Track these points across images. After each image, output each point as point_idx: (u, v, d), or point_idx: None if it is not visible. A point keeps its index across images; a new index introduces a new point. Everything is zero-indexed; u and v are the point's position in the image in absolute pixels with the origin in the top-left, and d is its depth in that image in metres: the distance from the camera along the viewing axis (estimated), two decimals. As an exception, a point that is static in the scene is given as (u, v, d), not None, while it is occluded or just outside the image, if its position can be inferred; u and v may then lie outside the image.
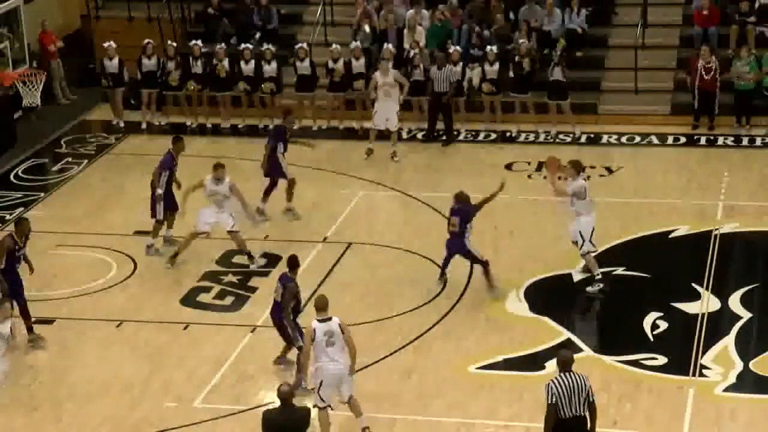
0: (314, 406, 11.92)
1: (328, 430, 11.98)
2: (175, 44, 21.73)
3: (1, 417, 12.79)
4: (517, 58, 20.78)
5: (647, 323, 14.29)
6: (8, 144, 20.42)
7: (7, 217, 17.89)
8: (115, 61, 21.40)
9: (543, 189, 18.53)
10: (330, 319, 11.86)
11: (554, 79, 20.44)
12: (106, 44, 21.47)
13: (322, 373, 11.86)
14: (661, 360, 13.49)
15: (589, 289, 15.00)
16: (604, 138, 20.64)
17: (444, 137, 20.52)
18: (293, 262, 13.15)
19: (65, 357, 14.22)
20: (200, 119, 21.65)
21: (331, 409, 12.00)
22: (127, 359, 13.90)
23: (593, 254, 15.01)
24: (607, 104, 21.50)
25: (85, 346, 14.38)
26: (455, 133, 20.64)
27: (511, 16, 22.28)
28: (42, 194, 18.79)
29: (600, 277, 14.99)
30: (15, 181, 19.32)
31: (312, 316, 12.09)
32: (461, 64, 20.84)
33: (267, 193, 17.46)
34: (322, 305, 11.96)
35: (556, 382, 10.55)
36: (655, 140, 20.49)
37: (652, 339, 13.99)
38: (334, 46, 21.34)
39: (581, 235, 14.93)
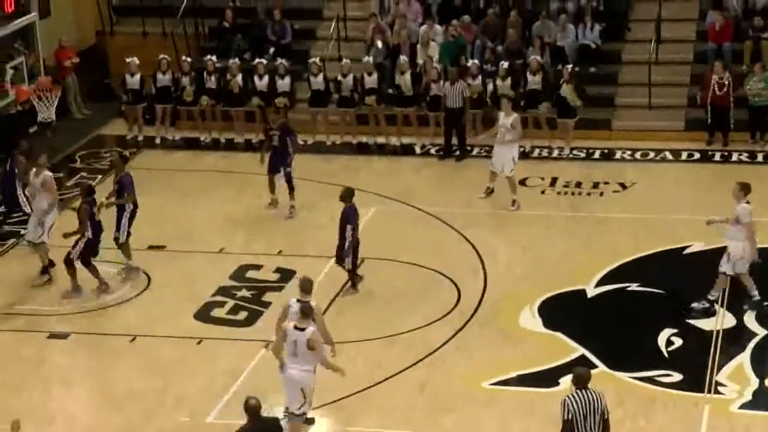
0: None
1: None
2: (189, 59, 21.81)
3: (14, 431, 12.79)
4: (528, 74, 20.79)
5: (662, 340, 14.24)
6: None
7: (22, 231, 17.93)
8: (137, 77, 21.48)
9: (556, 204, 18.55)
10: (304, 330, 11.72)
11: (564, 96, 20.42)
12: (128, 59, 21.54)
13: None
14: (676, 377, 13.44)
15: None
16: (618, 154, 20.62)
17: (457, 152, 20.53)
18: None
19: (79, 371, 14.25)
20: (214, 134, 21.71)
21: None
22: (141, 373, 13.91)
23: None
24: (620, 120, 21.48)
25: (99, 361, 14.41)
26: (468, 148, 20.64)
27: (525, 32, 22.30)
28: (56, 209, 18.78)
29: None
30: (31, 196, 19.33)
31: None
32: (480, 77, 20.82)
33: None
34: (307, 288, 12.24)
35: (572, 398, 10.51)
36: (668, 156, 20.46)
37: (666, 355, 13.94)
38: (344, 60, 21.39)
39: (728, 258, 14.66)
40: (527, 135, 20.92)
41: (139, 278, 16.05)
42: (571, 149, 20.62)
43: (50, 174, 16.43)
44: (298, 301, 12.10)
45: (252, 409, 10.73)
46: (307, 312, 11.89)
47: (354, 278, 15.51)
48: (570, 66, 20.74)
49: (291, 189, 18.05)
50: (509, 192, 18.08)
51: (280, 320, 12.26)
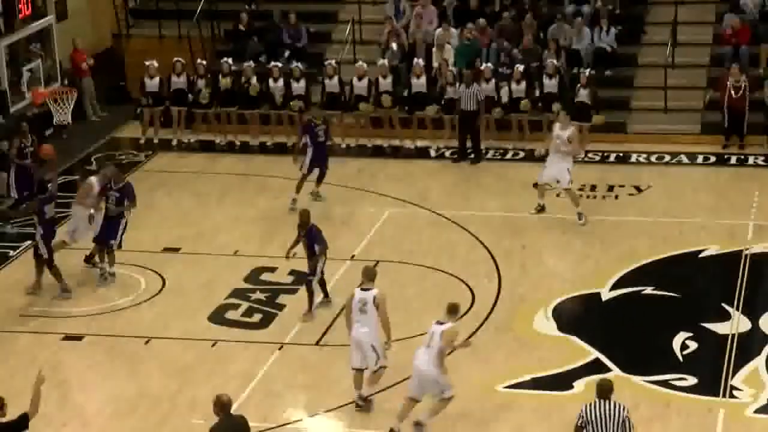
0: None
1: (357, 387, 12.84)
2: (204, 62, 21.86)
3: (30, 432, 12.84)
4: (544, 77, 20.76)
5: (677, 343, 14.20)
6: (40, 161, 20.52)
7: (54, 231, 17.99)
8: (156, 80, 21.55)
9: (571, 208, 18.50)
10: (369, 290, 12.71)
11: (579, 101, 20.37)
12: (147, 62, 21.62)
13: (351, 335, 12.76)
14: (691, 380, 13.39)
15: None
16: (633, 157, 20.57)
17: (472, 155, 20.51)
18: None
19: (94, 373, 14.28)
20: (229, 137, 21.74)
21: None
22: (155, 376, 13.94)
23: None
24: (636, 123, 21.43)
25: (114, 363, 14.44)
26: (483, 151, 20.62)
27: (540, 35, 22.28)
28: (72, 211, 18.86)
29: None
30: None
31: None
32: (493, 80, 20.82)
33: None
34: (371, 275, 12.91)
35: (590, 406, 10.51)
36: (684, 159, 20.40)
37: (681, 359, 13.89)
38: (359, 63, 21.40)
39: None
40: (541, 138, 20.89)
41: (113, 284, 16.02)
42: (586, 152, 20.57)
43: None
44: (361, 289, 12.77)
45: (225, 405, 10.75)
46: (371, 275, 12.89)
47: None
48: (588, 70, 20.68)
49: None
50: (572, 206, 17.64)
51: (348, 312, 12.88)
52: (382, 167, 20.28)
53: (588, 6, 22.58)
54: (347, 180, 19.65)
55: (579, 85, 20.47)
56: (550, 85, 20.77)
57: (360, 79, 21.15)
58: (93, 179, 16.48)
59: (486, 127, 20.90)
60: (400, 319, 15.00)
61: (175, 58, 21.65)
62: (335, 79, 21.25)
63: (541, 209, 17.88)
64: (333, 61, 21.55)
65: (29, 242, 17.63)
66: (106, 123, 22.83)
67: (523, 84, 20.81)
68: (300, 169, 18.32)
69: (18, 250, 17.44)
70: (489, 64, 21.15)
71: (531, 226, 17.67)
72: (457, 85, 20.63)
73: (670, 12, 22.43)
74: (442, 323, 12.36)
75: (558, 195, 18.95)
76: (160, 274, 16.41)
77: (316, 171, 18.47)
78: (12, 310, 15.55)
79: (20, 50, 21.19)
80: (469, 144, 20.54)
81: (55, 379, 13.94)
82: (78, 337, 14.79)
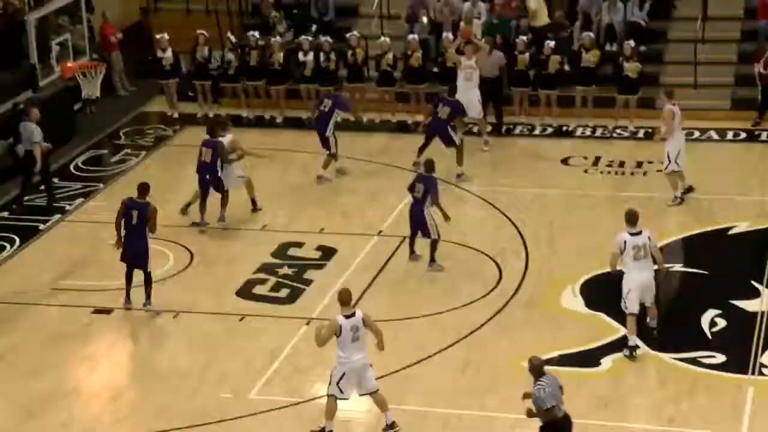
0: (329, 396, 11.92)
1: (331, 417, 11.95)
2: (232, 37, 21.82)
3: (60, 405, 12.97)
4: (583, 52, 20.57)
5: (705, 321, 14.14)
6: (68, 135, 20.65)
7: (67, 207, 18.12)
8: (169, 52, 21.55)
9: (600, 184, 18.43)
10: (354, 314, 11.80)
11: (626, 75, 20.15)
12: (158, 36, 21.64)
13: (344, 366, 11.84)
14: (720, 358, 13.34)
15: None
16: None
17: (494, 124, 20.27)
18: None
19: (123, 347, 14.39)
20: (256, 111, 21.74)
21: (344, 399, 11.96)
22: (184, 350, 14.03)
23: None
24: (665, 99, 21.24)
25: (143, 337, 14.54)
26: (504, 124, 20.46)
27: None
28: (101, 185, 18.99)
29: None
30: (75, 172, 19.54)
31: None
32: (527, 54, 20.62)
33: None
34: (346, 299, 11.88)
35: (541, 388, 10.70)
36: (714, 135, 20.24)
37: (710, 337, 13.84)
38: (382, 38, 21.30)
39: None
40: (577, 114, 20.77)
41: None
42: (615, 128, 20.44)
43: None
44: (345, 317, 11.80)
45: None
46: (347, 299, 11.88)
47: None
48: (632, 42, 20.40)
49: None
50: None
51: (321, 339, 11.91)
52: (408, 143, 20.22)
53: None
54: (373, 155, 19.63)
55: (622, 58, 20.22)
56: (587, 59, 20.57)
57: (384, 54, 21.03)
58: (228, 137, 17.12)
59: (520, 104, 20.78)
60: (428, 296, 15.05)
61: (198, 31, 21.63)
62: (359, 51, 21.14)
63: (681, 199, 17.36)
64: (356, 33, 21.46)
65: (58, 216, 17.75)
66: (134, 97, 22.86)
67: (555, 59, 20.60)
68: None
69: (48, 224, 17.54)
70: (523, 37, 20.96)
71: (559, 203, 17.61)
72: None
73: (701, -14, 22.20)
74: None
75: (585, 171, 18.88)
76: (188, 249, 16.48)
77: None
78: (42, 284, 15.66)
79: (49, 24, 21.22)
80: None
81: (85, 351, 14.06)
82: (107, 311, 14.89)
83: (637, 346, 13.34)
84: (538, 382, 10.79)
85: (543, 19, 21.80)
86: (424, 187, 15.47)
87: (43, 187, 18.26)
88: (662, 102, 17.70)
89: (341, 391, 11.92)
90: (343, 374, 11.86)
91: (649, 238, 13.23)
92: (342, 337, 11.74)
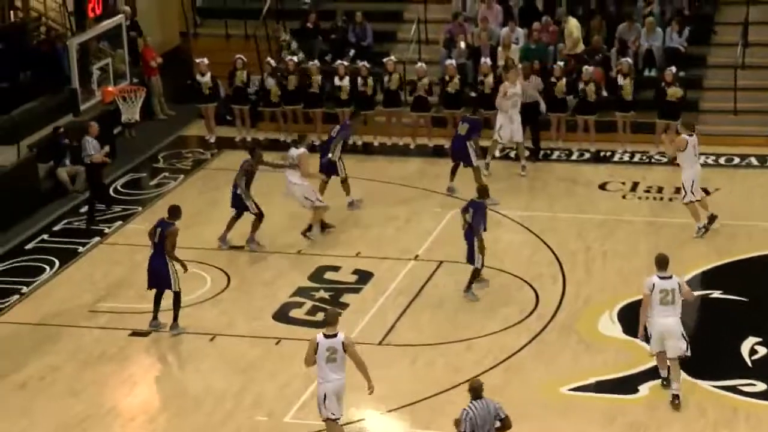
0: (325, 420, 11.86)
1: None
2: (273, 61, 21.97)
3: (97, 426, 13.03)
4: (619, 79, 20.52)
5: (745, 348, 14.00)
6: (108, 158, 20.80)
7: (106, 230, 18.26)
8: (208, 77, 21.73)
9: (636, 209, 18.33)
10: (335, 336, 11.70)
11: (668, 100, 20.05)
12: (198, 60, 21.83)
13: (322, 386, 11.80)
14: (760, 386, 13.19)
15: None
16: (701, 159, 20.25)
17: (532, 149, 20.24)
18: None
19: (160, 370, 14.44)
20: (294, 135, 21.80)
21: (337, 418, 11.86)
22: (220, 373, 14.05)
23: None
24: (705, 125, 21.10)
25: (179, 359, 14.58)
26: (541, 149, 20.40)
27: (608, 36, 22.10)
28: (140, 208, 19.13)
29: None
30: (114, 195, 19.70)
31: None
32: (564, 79, 20.62)
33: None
34: (332, 320, 11.82)
35: (470, 409, 10.63)
36: (754, 162, 20.10)
37: (750, 364, 13.69)
38: (419, 64, 21.35)
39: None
40: (615, 139, 20.67)
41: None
42: (654, 154, 20.33)
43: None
44: (325, 336, 11.74)
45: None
46: (333, 319, 11.83)
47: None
48: (674, 68, 20.33)
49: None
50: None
51: (309, 359, 11.85)
52: (444, 167, 20.21)
53: (657, 6, 22.31)
54: (410, 180, 19.65)
55: (664, 83, 20.11)
56: (624, 84, 20.51)
57: (419, 79, 21.09)
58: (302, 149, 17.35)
59: (557, 129, 20.74)
60: (465, 321, 15.01)
61: (237, 56, 21.81)
62: (395, 76, 21.22)
63: (710, 220, 17.19)
64: (393, 58, 21.53)
65: (97, 238, 17.90)
66: (173, 121, 23.05)
67: (592, 85, 20.59)
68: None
69: (86, 246, 17.68)
70: (560, 63, 20.96)
71: (596, 228, 17.54)
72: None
73: (741, 12, 22.09)
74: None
75: (624, 197, 18.80)
76: (225, 272, 16.54)
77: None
78: (81, 306, 15.77)
79: (90, 48, 21.46)
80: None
81: (123, 374, 14.13)
82: (145, 333, 14.96)
83: (667, 378, 13.14)
84: (470, 404, 10.73)
85: (580, 47, 21.78)
86: (473, 212, 15.42)
87: (87, 207, 18.49)
88: (682, 130, 17.40)
89: (332, 412, 11.84)
90: (325, 395, 11.82)
91: (679, 284, 12.78)
92: (318, 356, 11.67)
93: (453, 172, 18.71)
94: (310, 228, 17.39)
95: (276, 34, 22.77)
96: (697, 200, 17.00)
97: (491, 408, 10.72)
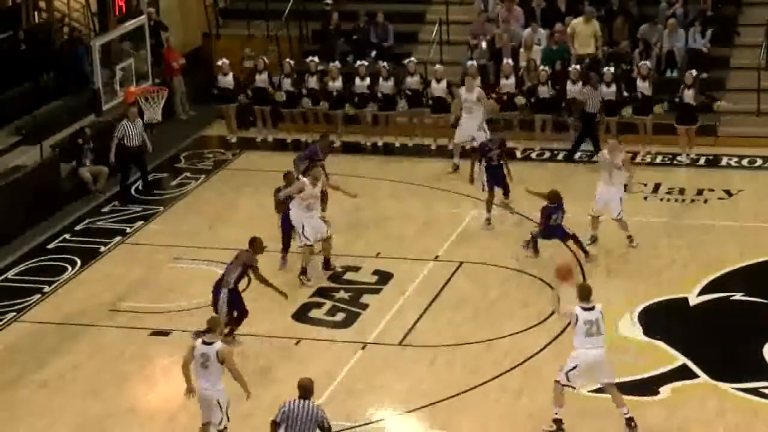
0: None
1: None
2: (292, 62, 22.01)
3: (117, 425, 13.09)
4: (638, 80, 20.45)
5: (767, 350, 13.90)
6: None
7: (128, 230, 18.33)
8: (229, 77, 21.78)
9: (658, 211, 18.25)
10: (212, 344, 11.65)
11: (686, 103, 19.97)
12: (219, 61, 21.89)
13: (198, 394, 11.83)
14: (781, 389, 13.12)
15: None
16: (724, 160, 20.20)
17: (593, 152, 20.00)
18: None
19: (179, 369, 14.42)
20: (315, 136, 21.83)
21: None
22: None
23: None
24: (727, 126, 21.05)
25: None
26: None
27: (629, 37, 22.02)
28: (161, 208, 19.20)
29: None
30: (135, 195, 19.78)
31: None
32: (614, 85, 20.41)
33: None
34: (212, 326, 11.77)
35: (289, 404, 10.78)
36: (776, 163, 20.00)
37: (771, 367, 13.62)
38: (437, 66, 21.33)
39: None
40: (638, 141, 20.56)
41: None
42: (675, 155, 20.24)
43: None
44: (203, 342, 11.71)
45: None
46: (215, 325, 11.78)
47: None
48: (694, 72, 20.23)
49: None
50: None
51: (185, 365, 11.82)
52: (464, 168, 20.18)
53: (680, 7, 22.21)
54: (431, 181, 19.63)
55: (683, 86, 20.02)
56: (644, 87, 20.45)
57: (438, 81, 21.07)
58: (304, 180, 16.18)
59: (606, 130, 20.49)
60: (484, 321, 14.98)
61: (259, 57, 21.85)
62: (417, 76, 21.20)
63: (593, 240, 16.97)
64: (414, 59, 21.51)
65: (118, 238, 17.97)
66: (194, 122, 23.12)
67: (614, 87, 20.52)
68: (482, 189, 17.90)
69: (108, 246, 17.76)
70: (577, 66, 20.89)
71: (617, 229, 17.45)
72: (580, 85, 20.27)
73: (765, 13, 21.99)
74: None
75: (645, 198, 18.69)
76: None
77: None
78: (102, 305, 15.84)
79: (113, 49, 21.56)
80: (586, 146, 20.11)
81: (142, 373, 14.18)
82: (165, 333, 15.00)
83: (559, 420, 12.50)
84: (292, 401, 10.83)
85: (590, 47, 21.63)
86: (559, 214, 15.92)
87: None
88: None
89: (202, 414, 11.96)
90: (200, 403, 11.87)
91: (601, 313, 12.19)
92: (194, 361, 11.69)
93: (505, 192, 18.00)
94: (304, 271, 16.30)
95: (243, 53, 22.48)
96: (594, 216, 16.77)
97: (313, 414, 10.78)
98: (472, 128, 19.50)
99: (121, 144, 19.34)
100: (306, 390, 10.92)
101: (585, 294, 12.29)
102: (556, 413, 12.42)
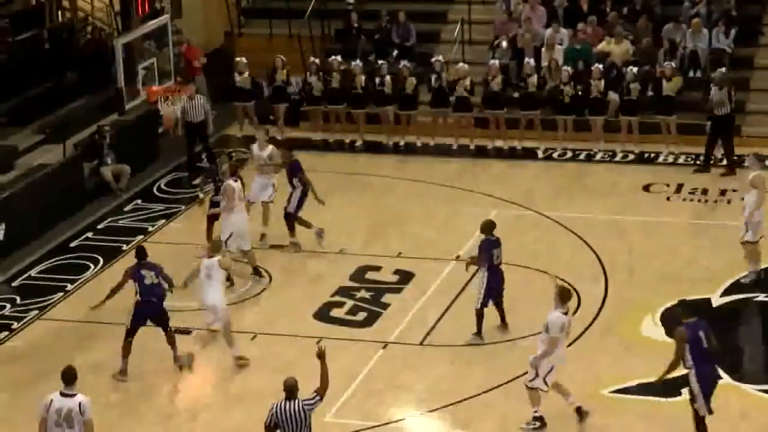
0: None
1: None
2: (317, 60, 22.01)
3: (138, 425, 13.12)
4: (664, 81, 20.33)
5: (790, 352, 13.86)
6: (152, 157, 20.99)
7: (150, 228, 18.39)
8: (246, 75, 21.81)
9: (681, 211, 18.17)
10: (74, 395, 10.96)
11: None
12: (237, 59, 21.93)
13: None
14: (805, 390, 13.04)
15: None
16: (747, 161, 20.04)
17: (726, 162, 19.53)
18: None
19: (201, 368, 14.51)
20: (336, 135, 21.87)
21: None
22: (260, 371, 14.09)
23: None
24: (751, 126, 20.92)
25: (220, 358, 14.63)
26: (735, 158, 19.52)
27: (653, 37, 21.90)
28: (182, 207, 19.24)
29: None
30: (158, 194, 19.83)
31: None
32: (602, 81, 20.37)
33: None
34: (70, 378, 10.98)
35: (279, 407, 10.78)
36: (801, 163, 19.83)
37: (795, 369, 13.54)
38: (459, 64, 21.29)
39: None
40: (663, 140, 20.43)
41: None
42: (698, 155, 20.11)
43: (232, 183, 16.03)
44: (61, 394, 10.96)
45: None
46: (70, 378, 11.00)
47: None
48: (724, 69, 20.06)
49: None
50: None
51: (41, 424, 10.97)
52: (485, 168, 20.17)
53: (704, 7, 22.09)
54: (451, 180, 19.61)
55: (714, 86, 19.82)
56: (669, 87, 20.33)
57: (460, 79, 21.00)
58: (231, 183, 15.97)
59: (629, 130, 20.28)
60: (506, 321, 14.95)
61: (277, 55, 21.87)
62: (442, 76, 21.18)
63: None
64: (441, 58, 21.47)
65: (141, 236, 18.03)
66: (216, 120, 23.11)
67: (637, 84, 20.41)
68: None
69: (130, 245, 17.81)
70: (599, 65, 20.76)
71: (639, 229, 17.41)
72: (710, 86, 19.88)
73: (789, 12, 21.87)
74: None
75: (668, 199, 18.59)
76: (266, 271, 16.58)
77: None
78: (124, 304, 15.85)
79: (135, 48, 21.64)
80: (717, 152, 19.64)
81: (164, 371, 14.21)
82: (187, 331, 15.03)
83: (541, 418, 12.52)
84: (280, 403, 10.83)
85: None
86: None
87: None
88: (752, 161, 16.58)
89: None
90: None
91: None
92: (48, 417, 10.85)
93: None
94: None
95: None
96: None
97: (303, 412, 10.84)
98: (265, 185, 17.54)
99: (185, 120, 20.33)
100: (291, 391, 10.97)
101: (566, 298, 12.48)
102: (536, 411, 12.46)
